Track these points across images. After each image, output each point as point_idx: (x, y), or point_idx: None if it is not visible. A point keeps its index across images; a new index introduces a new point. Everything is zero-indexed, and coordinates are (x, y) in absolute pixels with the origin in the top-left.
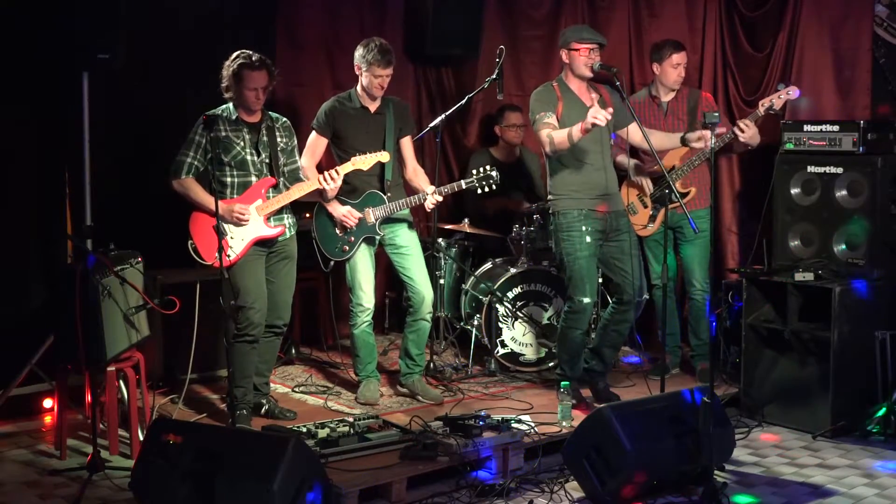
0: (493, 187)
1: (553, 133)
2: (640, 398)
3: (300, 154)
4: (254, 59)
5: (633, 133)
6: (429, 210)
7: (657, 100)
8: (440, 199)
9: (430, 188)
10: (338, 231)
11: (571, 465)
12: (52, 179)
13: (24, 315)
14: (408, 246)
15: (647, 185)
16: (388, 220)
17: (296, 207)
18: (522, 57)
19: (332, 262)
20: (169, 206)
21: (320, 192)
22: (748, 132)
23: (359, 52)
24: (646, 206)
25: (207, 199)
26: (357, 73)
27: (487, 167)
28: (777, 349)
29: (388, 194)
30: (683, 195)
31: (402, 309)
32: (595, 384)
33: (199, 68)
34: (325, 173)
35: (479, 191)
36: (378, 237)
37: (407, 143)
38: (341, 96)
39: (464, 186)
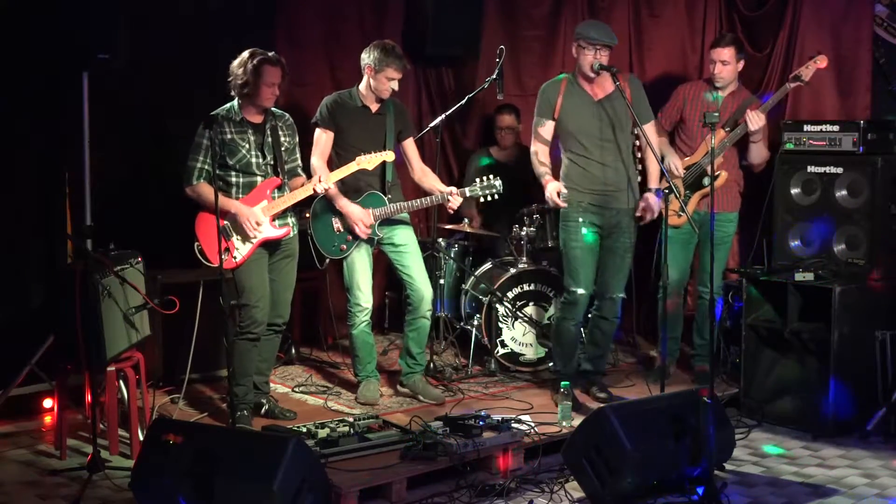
0: (496, 197)
1: (534, 158)
2: (640, 398)
3: (309, 155)
4: (271, 55)
5: (641, 135)
6: (451, 211)
7: (716, 91)
8: (461, 199)
9: (448, 188)
10: (335, 229)
11: (571, 465)
12: (52, 179)
13: (24, 315)
14: (406, 244)
15: (679, 171)
16: (388, 221)
17: (295, 205)
18: (522, 57)
19: (327, 260)
20: (169, 206)
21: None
22: (759, 123)
23: (374, 53)
24: (679, 194)
25: (222, 202)
26: (368, 73)
27: (491, 176)
28: (777, 349)
29: (389, 195)
30: (714, 178)
31: (402, 309)
32: (590, 384)
33: (199, 68)
34: (316, 178)
35: (483, 200)
36: (376, 238)
37: (410, 145)
38: (342, 93)
39: (467, 195)
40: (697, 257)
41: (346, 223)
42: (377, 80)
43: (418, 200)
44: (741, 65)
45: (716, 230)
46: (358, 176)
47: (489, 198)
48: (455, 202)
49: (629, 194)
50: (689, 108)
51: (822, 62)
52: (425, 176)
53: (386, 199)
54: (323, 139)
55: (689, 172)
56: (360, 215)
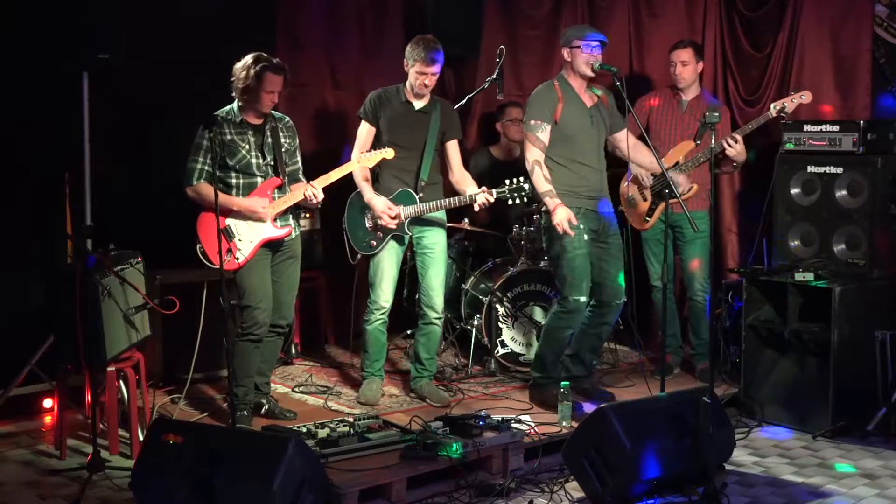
0: (525, 199)
1: (538, 170)
2: (640, 398)
3: (309, 157)
4: (275, 62)
5: (620, 140)
6: (477, 210)
7: (678, 96)
8: (492, 199)
9: (477, 189)
10: (368, 225)
11: (571, 465)
12: (52, 179)
13: (24, 315)
14: (432, 248)
15: (647, 178)
16: (421, 221)
17: (296, 207)
18: (522, 57)
19: (358, 255)
20: (169, 206)
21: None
22: (737, 147)
23: (408, 48)
24: (645, 200)
25: (224, 200)
26: (405, 69)
27: (521, 179)
28: (777, 349)
29: (421, 194)
30: (688, 189)
31: (404, 312)
32: (582, 388)
33: (199, 68)
34: (309, 187)
35: (510, 202)
36: (407, 237)
37: (453, 147)
38: (388, 88)
39: (494, 196)
40: (679, 260)
41: (375, 219)
42: (411, 74)
43: (447, 200)
44: (700, 66)
45: (688, 229)
46: (393, 174)
47: (517, 200)
48: (482, 199)
49: (609, 198)
50: (655, 116)
51: (807, 98)
52: (463, 180)
53: (417, 197)
54: (364, 133)
55: (658, 181)
56: (383, 206)
